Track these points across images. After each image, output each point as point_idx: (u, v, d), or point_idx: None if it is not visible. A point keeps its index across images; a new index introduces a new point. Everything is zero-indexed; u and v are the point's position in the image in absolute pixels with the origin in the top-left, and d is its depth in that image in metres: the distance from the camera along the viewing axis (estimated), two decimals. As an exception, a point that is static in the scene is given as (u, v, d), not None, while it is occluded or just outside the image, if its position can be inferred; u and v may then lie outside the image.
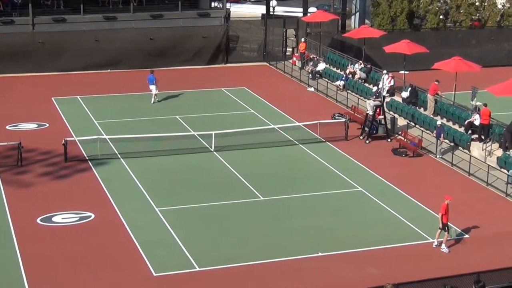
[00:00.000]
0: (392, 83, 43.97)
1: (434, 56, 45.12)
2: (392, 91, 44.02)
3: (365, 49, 49.80)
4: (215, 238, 28.16)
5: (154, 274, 25.45)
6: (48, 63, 51.05)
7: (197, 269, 25.85)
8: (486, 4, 60.39)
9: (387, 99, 42.50)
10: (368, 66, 47.74)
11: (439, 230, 27.34)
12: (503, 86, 36.27)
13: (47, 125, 40.82)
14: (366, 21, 62.67)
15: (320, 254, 26.95)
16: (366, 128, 39.55)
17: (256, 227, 29.20)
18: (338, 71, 50.07)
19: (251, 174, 34.24)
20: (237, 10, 70.18)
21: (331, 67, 51.12)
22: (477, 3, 60.41)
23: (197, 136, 38.25)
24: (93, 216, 29.76)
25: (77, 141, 36.87)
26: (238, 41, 56.14)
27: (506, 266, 23.87)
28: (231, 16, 56.42)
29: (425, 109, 41.40)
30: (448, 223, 27.25)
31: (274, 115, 42.97)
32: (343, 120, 39.97)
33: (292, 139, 38.81)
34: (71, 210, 30.14)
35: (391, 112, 42.28)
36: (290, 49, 57.08)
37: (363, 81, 47.01)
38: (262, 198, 31.82)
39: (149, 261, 26.20)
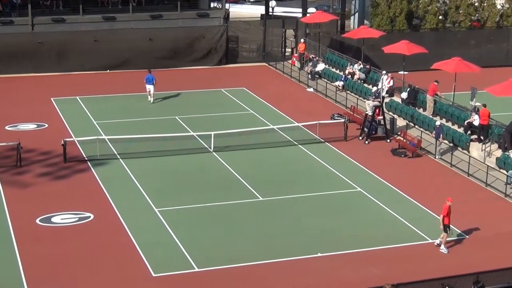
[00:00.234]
0: (391, 83, 44.01)
1: (433, 57, 45.10)
2: (391, 92, 44.04)
3: (364, 50, 49.81)
4: (214, 238, 28.16)
5: (153, 275, 25.44)
6: (48, 63, 51.05)
7: (196, 269, 25.85)
8: (485, 4, 60.37)
9: (386, 100, 42.52)
10: (367, 66, 47.76)
11: (448, 232, 27.35)
12: (502, 87, 36.26)
13: (46, 125, 40.82)
14: (365, 21, 62.72)
15: (319, 254, 26.96)
16: (365, 129, 39.55)
17: (255, 228, 29.20)
18: (337, 71, 50.08)
19: (250, 174, 34.24)
20: (236, 11, 70.29)
21: (330, 67, 51.13)
22: (476, 4, 60.41)
23: (196, 137, 38.24)
24: (92, 216, 29.76)
25: (76, 142, 36.87)
26: (237, 41, 56.14)
27: (505, 266, 23.88)
28: (230, 17, 56.43)
29: (425, 110, 41.41)
30: (450, 225, 27.24)
31: (273, 115, 42.97)
32: (342, 120, 39.98)
33: (291, 140, 38.81)
34: (70, 211, 30.14)
35: (390, 113, 42.29)
36: (290, 50, 57.10)
37: (362, 81, 47.02)
38: (261, 199, 31.83)
39: (148, 261, 26.20)
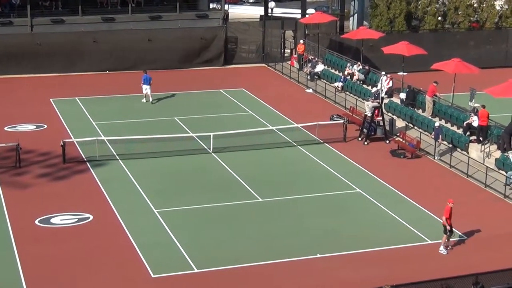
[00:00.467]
0: (390, 84, 44.02)
1: (432, 58, 45.10)
2: (390, 93, 44.05)
3: (364, 51, 49.82)
4: (213, 239, 28.15)
5: (153, 276, 25.44)
6: (47, 64, 51.04)
7: (196, 270, 25.85)
8: (484, 5, 60.44)
9: (386, 101, 42.52)
10: (366, 67, 47.77)
11: (450, 233, 27.30)
12: (501, 88, 36.28)
13: (46, 126, 40.81)
14: (365, 22, 62.74)
15: (318, 255, 26.96)
16: (364, 130, 39.55)
17: (254, 229, 29.21)
18: (337, 72, 50.09)
19: (250, 175, 34.24)
20: (236, 12, 70.33)
21: (330, 68, 51.14)
22: (475, 5, 60.47)
23: (196, 138, 38.24)
24: (91, 217, 29.75)
25: (76, 143, 36.87)
26: (236, 42, 56.15)
27: (504, 267, 23.88)
28: (229, 18, 56.45)
29: (424, 111, 41.42)
30: (452, 227, 27.22)
31: (272, 116, 42.98)
32: (342, 121, 39.98)
33: (290, 141, 38.81)
34: (69, 212, 30.13)
35: (389, 114, 42.29)
36: (289, 51, 57.12)
37: (361, 82, 47.02)
38: (260, 200, 31.82)
39: (148, 262, 26.19)
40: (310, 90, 48.76)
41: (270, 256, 26.85)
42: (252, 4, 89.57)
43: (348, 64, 49.08)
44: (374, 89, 41.84)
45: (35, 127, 40.70)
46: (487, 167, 34.32)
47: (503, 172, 33.90)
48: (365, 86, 46.42)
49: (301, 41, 54.12)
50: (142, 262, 26.26)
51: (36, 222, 29.22)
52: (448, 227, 27.01)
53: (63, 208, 30.43)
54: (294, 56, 54.53)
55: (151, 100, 45.05)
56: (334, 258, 26.90)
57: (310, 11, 67.84)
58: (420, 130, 39.42)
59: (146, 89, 44.98)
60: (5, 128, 40.17)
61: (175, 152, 36.56)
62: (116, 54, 52.17)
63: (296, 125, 40.46)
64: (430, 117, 40.36)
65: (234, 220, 29.97)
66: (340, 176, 34.54)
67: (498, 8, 60.71)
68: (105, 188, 32.50)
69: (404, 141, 38.05)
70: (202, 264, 26.15)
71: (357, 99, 44.44)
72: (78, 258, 26.47)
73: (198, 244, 27.69)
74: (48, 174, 34.05)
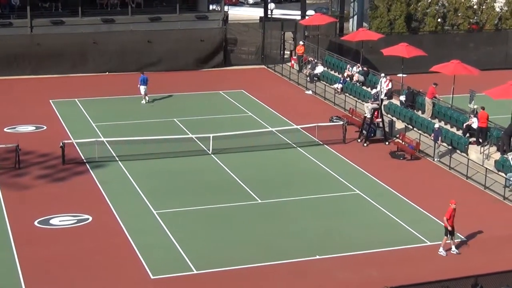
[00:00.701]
0: (390, 86, 44.00)
1: (432, 59, 45.14)
2: (390, 94, 44.05)
3: (363, 52, 49.82)
4: (212, 241, 28.14)
5: (152, 277, 25.43)
6: (46, 65, 51.05)
7: (195, 271, 25.84)
8: (484, 7, 60.46)
9: (385, 102, 42.52)
10: (365, 68, 47.76)
11: (452, 236, 27.29)
12: (500, 89, 36.28)
13: (45, 127, 40.81)
14: (364, 24, 62.74)
15: (317, 257, 26.96)
16: (364, 131, 39.55)
17: (253, 230, 29.20)
18: (336, 74, 50.10)
19: (249, 177, 34.24)
20: (235, 13, 70.38)
21: (329, 70, 51.15)
22: (475, 6, 60.50)
23: (195, 139, 38.24)
24: (90, 218, 29.74)
25: (75, 144, 36.87)
26: (236, 43, 56.16)
27: (503, 269, 23.88)
28: (229, 19, 56.46)
29: (423, 112, 41.42)
30: (454, 229, 27.18)
31: (272, 118, 42.98)
32: (341, 123, 39.97)
33: (290, 142, 38.81)
34: (68, 213, 30.12)
35: (389, 115, 42.30)
36: (288, 52, 57.14)
37: (361, 84, 47.03)
38: (260, 201, 31.82)
39: (147, 263, 26.19)
40: (310, 92, 48.77)
41: (269, 257, 26.84)
42: (252, 5, 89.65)
43: (348, 66, 49.10)
44: (374, 91, 41.87)
45: (34, 128, 40.69)
46: (486, 168, 34.31)
47: (503, 174, 33.89)
48: (364, 87, 46.43)
49: (301, 42, 54.15)
50: (141, 263, 26.25)
51: (36, 223, 29.21)
52: (449, 228, 26.99)
53: (62, 209, 30.43)
54: (294, 57, 54.56)
55: (147, 100, 45.11)
56: (333, 259, 26.89)
57: (310, 12, 67.82)
58: (420, 131, 39.42)
59: (143, 89, 45.04)
60: (5, 129, 40.17)
61: (175, 153, 36.55)
62: (115, 55, 52.20)
63: (295, 126, 40.46)
64: (429, 119, 40.37)
65: (233, 222, 29.96)
66: (339, 178, 34.54)
67: (497, 9, 60.73)
68: (105, 189, 32.49)
69: (403, 143, 38.06)
70: (201, 265, 26.14)
71: (356, 101, 44.44)
72: (78, 259, 26.46)
73: (197, 246, 27.68)
74: (48, 175, 34.05)
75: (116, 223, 29.38)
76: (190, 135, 38.81)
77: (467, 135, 37.42)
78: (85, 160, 35.64)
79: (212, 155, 36.84)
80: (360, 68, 47.88)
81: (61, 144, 35.15)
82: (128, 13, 53.53)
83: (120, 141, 37.22)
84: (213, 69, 54.19)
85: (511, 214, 31.28)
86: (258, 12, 68.67)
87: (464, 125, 37.85)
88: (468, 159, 35.72)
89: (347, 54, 52.76)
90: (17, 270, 25.57)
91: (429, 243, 28.13)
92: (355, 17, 63.99)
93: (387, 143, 39.12)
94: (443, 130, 38.04)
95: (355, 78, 47.43)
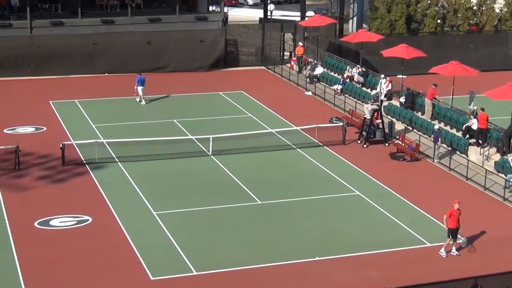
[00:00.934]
0: (389, 87, 43.98)
1: (431, 60, 45.15)
2: (389, 95, 44.05)
3: (363, 53, 49.83)
4: (212, 242, 28.14)
5: (152, 278, 25.43)
6: (46, 66, 51.06)
7: (195, 273, 25.84)
8: (483, 8, 60.49)
9: (385, 103, 42.53)
10: (363, 69, 47.75)
11: (454, 238, 27.27)
12: (500, 91, 36.30)
13: (45, 128, 40.81)
14: (364, 25, 62.75)
15: (317, 258, 26.96)
16: (363, 132, 39.56)
17: (253, 231, 29.20)
18: (336, 75, 50.12)
19: (249, 178, 34.24)
20: (235, 14, 70.36)
21: (329, 71, 51.16)
22: (474, 8, 60.52)
23: (195, 140, 38.25)
24: (90, 219, 29.74)
25: (75, 145, 36.88)
26: (236, 45, 56.17)
27: (503, 270, 23.89)
28: (229, 20, 56.46)
29: (423, 113, 41.42)
30: (452, 230, 27.12)
31: (271, 119, 42.98)
32: (341, 124, 39.97)
33: (289, 143, 38.81)
34: (68, 214, 30.12)
35: (388, 116, 42.30)
36: (288, 53, 57.15)
37: (360, 85, 47.03)
38: (259, 202, 31.82)
39: (147, 264, 26.18)
40: (310, 93, 48.78)
41: (269, 258, 26.84)
42: (252, 6, 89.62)
43: (348, 67, 49.11)
44: (374, 92, 41.86)
45: (34, 129, 40.69)
46: (486, 170, 34.31)
47: (503, 175, 33.88)
48: (364, 89, 46.43)
49: (300, 43, 54.17)
50: (141, 264, 26.25)
51: (35, 224, 29.21)
52: (445, 228, 26.97)
53: (62, 210, 30.43)
54: (294, 58, 54.58)
55: (143, 101, 45.15)
56: (333, 261, 26.89)
57: (310, 13, 67.83)
58: (420, 133, 39.43)
59: (141, 90, 45.11)
60: (5, 131, 40.16)
61: (174, 154, 36.55)
62: (115, 56, 52.22)
63: (295, 127, 40.46)
64: (429, 120, 40.37)
65: (233, 223, 29.96)
66: (339, 179, 34.54)
67: (497, 11, 60.77)
68: (104, 191, 32.49)
69: (403, 144, 38.06)
70: (201, 266, 26.14)
71: (356, 102, 44.46)
72: (77, 260, 26.46)
73: (197, 247, 27.68)
74: (48, 177, 34.04)
75: (116, 224, 29.38)
76: (190, 136, 38.82)
77: (467, 136, 37.42)
78: (85, 161, 35.64)
79: (212, 156, 36.84)
80: (360, 69, 47.87)
81: (61, 145, 35.16)
82: (127, 14, 53.54)
83: (120, 142, 37.23)
84: (213, 70, 54.16)
85: (511, 215, 31.27)
86: (258, 13, 68.58)
87: (464, 126, 37.85)
88: (468, 160, 35.73)
89: (346, 55, 52.77)
90: (17, 272, 25.56)
91: (429, 244, 28.13)
92: (355, 18, 64.00)
93: (387, 144, 39.12)
94: (443, 131, 38.04)
95: (355, 78, 47.43)
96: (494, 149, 36.14)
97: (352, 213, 31.18)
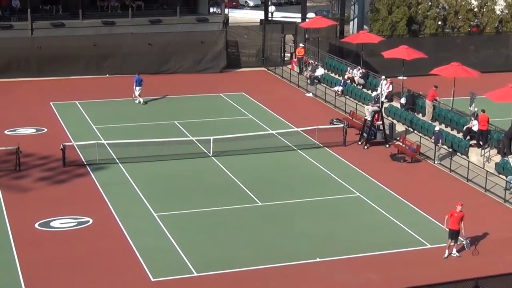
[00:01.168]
0: (390, 88, 43.98)
1: (432, 62, 45.14)
2: (390, 97, 44.05)
3: (364, 55, 49.83)
4: (213, 243, 28.14)
5: (152, 279, 25.43)
6: (47, 68, 51.03)
7: (195, 274, 25.84)
8: (484, 10, 60.48)
9: (386, 105, 42.53)
10: (363, 70, 47.74)
11: (454, 239, 27.25)
12: (501, 92, 36.30)
13: (46, 130, 40.81)
14: (365, 26, 62.74)
15: (318, 259, 26.95)
16: (364, 134, 39.56)
17: (254, 232, 29.20)
18: (337, 76, 50.12)
19: (249, 179, 34.24)
20: (236, 16, 70.32)
21: (330, 72, 51.16)
22: (475, 9, 60.52)
23: (195, 141, 38.25)
24: (91, 221, 29.75)
25: (76, 146, 36.89)
26: (236, 46, 56.18)
27: (504, 272, 23.89)
28: (229, 22, 56.46)
29: (424, 115, 41.42)
30: (453, 231, 27.12)
31: (272, 120, 42.98)
32: (341, 125, 39.97)
33: (290, 145, 38.81)
34: (69, 215, 30.13)
35: (389, 118, 42.30)
36: (289, 55, 57.15)
37: (361, 86, 47.03)
38: (260, 204, 31.82)
39: (147, 266, 26.19)
40: (310, 94, 48.78)
41: (270, 260, 26.84)
42: (252, 8, 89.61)
43: (348, 68, 49.10)
44: (374, 93, 41.86)
45: (35, 130, 40.70)
46: (487, 171, 34.31)
47: (503, 177, 33.88)
48: (365, 90, 46.43)
49: (301, 45, 54.19)
50: (141, 266, 26.25)
51: (36, 225, 29.22)
52: (444, 228, 26.99)
53: (63, 211, 30.43)
54: (294, 60, 54.59)
55: (141, 101, 45.20)
56: (333, 262, 26.89)
57: (310, 15, 67.82)
58: (420, 134, 39.43)
59: (138, 90, 45.16)
60: (5, 132, 40.17)
61: (175, 156, 36.55)
62: (116, 58, 52.21)
63: (296, 129, 40.46)
64: (430, 121, 40.37)
65: (234, 224, 29.96)
66: (340, 180, 34.54)
67: (498, 12, 60.75)
68: (105, 192, 32.49)
69: (404, 145, 38.05)
70: (201, 268, 26.14)
71: (357, 103, 44.46)
72: (78, 262, 26.46)
73: (198, 248, 27.68)
74: (48, 178, 34.05)
75: (117, 225, 29.38)
76: (191, 138, 38.83)
77: (468, 137, 37.42)
78: (85, 163, 35.65)
79: (212, 157, 36.85)
80: (361, 71, 47.86)
81: (61, 146, 35.17)
82: (128, 16, 53.54)
83: (120, 143, 37.23)
84: (214, 71, 54.12)
85: (512, 217, 31.32)
86: (259, 15, 68.61)
87: (465, 127, 37.85)
88: (469, 161, 35.73)
89: (347, 56, 52.77)
90: (17, 273, 25.56)
91: (429, 246, 28.13)
92: (356, 19, 63.93)
93: (387, 145, 39.12)
94: (443, 133, 38.05)
95: (356, 78, 47.42)
96: (494, 151, 36.15)
97: (353, 214, 31.18)
